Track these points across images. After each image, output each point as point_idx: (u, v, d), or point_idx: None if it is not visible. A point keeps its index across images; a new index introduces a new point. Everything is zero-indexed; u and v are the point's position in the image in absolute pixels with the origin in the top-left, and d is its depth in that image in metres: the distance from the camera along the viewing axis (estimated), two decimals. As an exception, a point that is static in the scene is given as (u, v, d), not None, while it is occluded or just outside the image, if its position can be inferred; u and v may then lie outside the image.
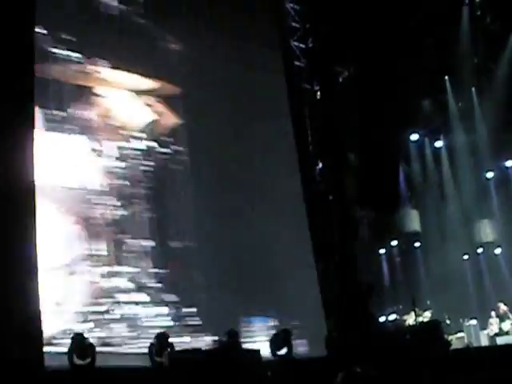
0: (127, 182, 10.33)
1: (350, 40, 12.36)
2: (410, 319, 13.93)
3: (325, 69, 12.40)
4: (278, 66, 11.81)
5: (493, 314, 14.29)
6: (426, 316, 14.18)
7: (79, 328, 8.30)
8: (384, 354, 5.10)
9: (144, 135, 10.73)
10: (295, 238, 10.73)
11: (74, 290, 9.15)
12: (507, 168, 16.86)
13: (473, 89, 16.23)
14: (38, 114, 8.83)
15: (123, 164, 10.35)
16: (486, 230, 17.24)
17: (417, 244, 17.53)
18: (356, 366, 4.39)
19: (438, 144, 17.25)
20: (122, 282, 9.82)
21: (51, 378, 5.71)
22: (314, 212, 10.70)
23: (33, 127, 7.18)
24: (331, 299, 10.41)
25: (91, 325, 9.04)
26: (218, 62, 10.85)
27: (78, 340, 6.04)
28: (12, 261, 6.05)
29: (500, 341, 13.40)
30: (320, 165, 11.48)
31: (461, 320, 14.68)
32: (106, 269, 9.69)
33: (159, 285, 10.13)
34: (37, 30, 8.35)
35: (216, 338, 6.58)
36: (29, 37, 6.62)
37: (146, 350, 6.61)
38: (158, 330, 7.54)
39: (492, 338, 13.91)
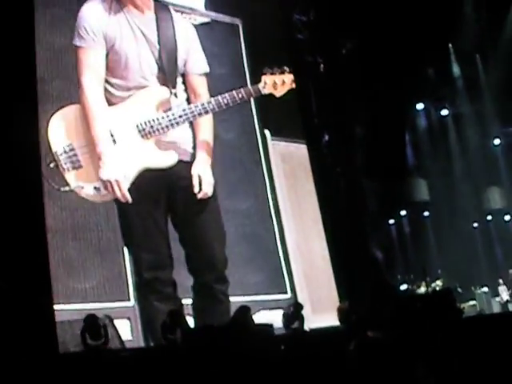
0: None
1: (351, 11, 12.25)
2: (422, 288, 13.95)
3: (327, 41, 12.29)
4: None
5: (500, 281, 14.31)
6: (438, 285, 14.19)
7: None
8: (397, 321, 5.09)
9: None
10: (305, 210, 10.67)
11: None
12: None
13: (477, 56, 16.15)
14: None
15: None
16: (495, 197, 17.23)
17: (426, 213, 17.53)
18: (368, 332, 4.39)
19: (444, 112, 17.20)
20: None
21: (65, 358, 5.73)
22: (321, 184, 10.62)
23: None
24: (342, 270, 10.38)
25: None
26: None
27: (91, 321, 6.09)
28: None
29: (512, 307, 13.45)
30: (326, 137, 11.38)
31: (472, 288, 14.69)
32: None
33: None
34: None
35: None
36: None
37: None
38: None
39: (504, 305, 13.93)
